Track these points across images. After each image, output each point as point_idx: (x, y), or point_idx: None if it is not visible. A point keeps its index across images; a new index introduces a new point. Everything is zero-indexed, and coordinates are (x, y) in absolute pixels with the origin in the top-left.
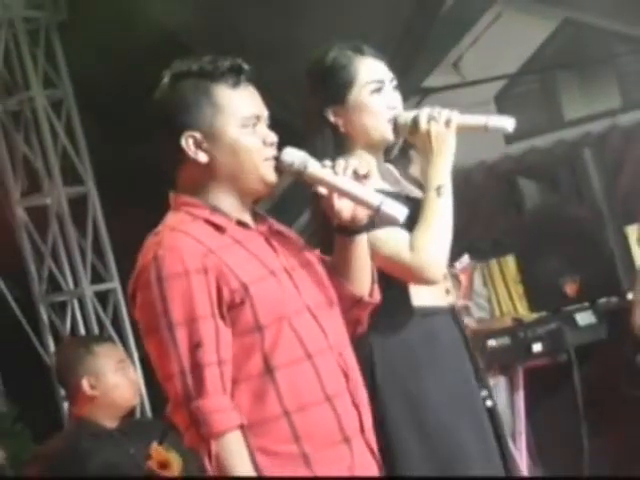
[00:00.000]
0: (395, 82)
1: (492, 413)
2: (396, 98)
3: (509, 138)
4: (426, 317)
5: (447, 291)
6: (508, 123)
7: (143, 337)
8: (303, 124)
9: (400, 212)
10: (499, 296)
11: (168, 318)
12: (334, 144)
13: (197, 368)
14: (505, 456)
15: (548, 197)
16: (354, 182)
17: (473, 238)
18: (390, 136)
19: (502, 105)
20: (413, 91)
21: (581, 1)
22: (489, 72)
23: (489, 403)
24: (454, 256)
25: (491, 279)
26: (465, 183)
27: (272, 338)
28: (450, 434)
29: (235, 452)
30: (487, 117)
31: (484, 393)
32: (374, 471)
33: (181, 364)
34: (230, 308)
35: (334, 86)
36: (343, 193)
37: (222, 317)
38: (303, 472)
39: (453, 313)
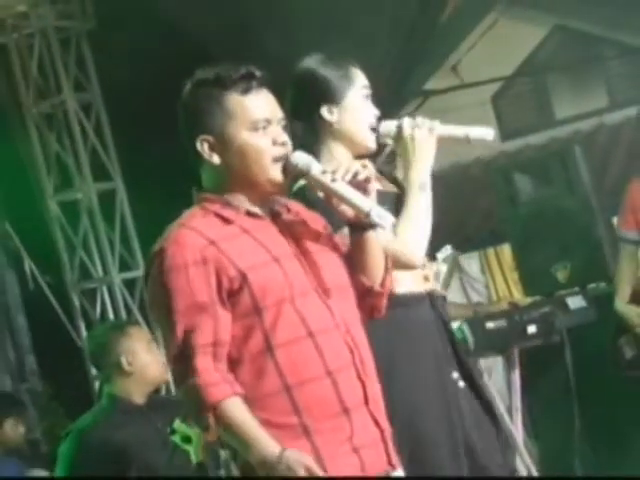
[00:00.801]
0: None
1: (469, 392)
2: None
3: (505, 136)
4: (402, 304)
5: (425, 278)
6: (488, 134)
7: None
8: (290, 119)
9: (387, 220)
10: (496, 282)
11: (169, 306)
12: (319, 138)
13: (192, 350)
14: (497, 429)
15: (541, 190)
16: (349, 188)
17: (472, 228)
18: (370, 143)
19: (498, 105)
20: (415, 93)
21: (570, 9)
22: (486, 75)
23: (461, 384)
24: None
25: (488, 266)
26: (464, 178)
27: (272, 319)
28: (417, 417)
29: (236, 414)
30: (468, 128)
31: (455, 375)
32: (376, 440)
33: (179, 347)
34: (230, 294)
35: (334, 85)
36: (338, 197)
37: (222, 303)
38: (304, 442)
39: (431, 299)
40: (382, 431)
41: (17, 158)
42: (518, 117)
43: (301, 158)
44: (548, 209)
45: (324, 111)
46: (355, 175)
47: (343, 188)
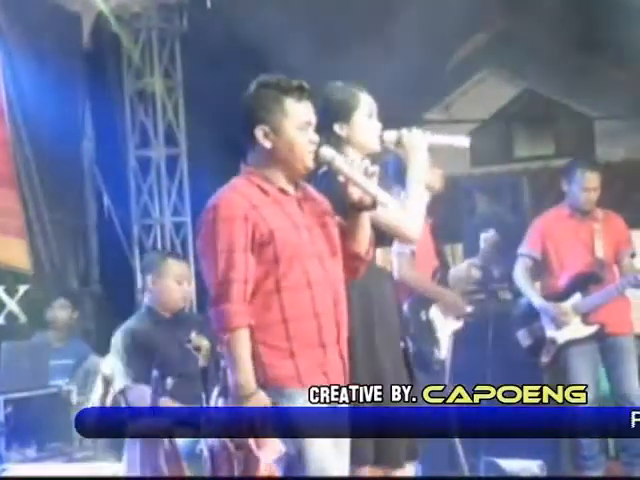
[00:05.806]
0: (375, 113)
1: (405, 352)
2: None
3: (474, 163)
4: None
5: (388, 261)
6: (464, 142)
7: (200, 258)
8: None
9: (389, 202)
10: None
11: (215, 247)
12: (337, 145)
13: (227, 282)
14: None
15: (493, 207)
16: (363, 176)
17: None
18: (375, 147)
19: (474, 141)
20: (416, 121)
21: (538, 78)
22: (468, 116)
23: (402, 344)
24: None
25: None
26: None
27: (284, 269)
28: (370, 357)
29: (240, 343)
30: (450, 138)
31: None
32: (339, 369)
33: (218, 278)
34: (259, 246)
35: (344, 108)
36: (353, 181)
37: (252, 251)
38: (289, 361)
39: (391, 277)
40: (344, 364)
41: (113, 120)
42: (486, 150)
43: (328, 152)
44: (496, 221)
45: (336, 127)
46: (366, 168)
47: (357, 175)
